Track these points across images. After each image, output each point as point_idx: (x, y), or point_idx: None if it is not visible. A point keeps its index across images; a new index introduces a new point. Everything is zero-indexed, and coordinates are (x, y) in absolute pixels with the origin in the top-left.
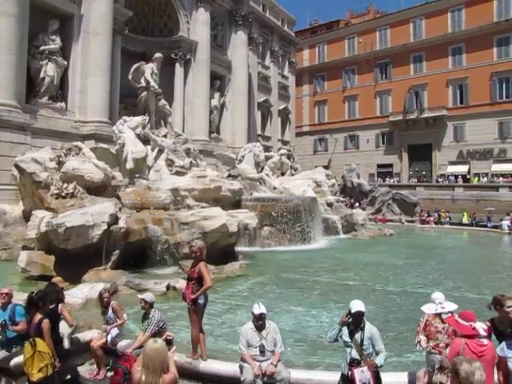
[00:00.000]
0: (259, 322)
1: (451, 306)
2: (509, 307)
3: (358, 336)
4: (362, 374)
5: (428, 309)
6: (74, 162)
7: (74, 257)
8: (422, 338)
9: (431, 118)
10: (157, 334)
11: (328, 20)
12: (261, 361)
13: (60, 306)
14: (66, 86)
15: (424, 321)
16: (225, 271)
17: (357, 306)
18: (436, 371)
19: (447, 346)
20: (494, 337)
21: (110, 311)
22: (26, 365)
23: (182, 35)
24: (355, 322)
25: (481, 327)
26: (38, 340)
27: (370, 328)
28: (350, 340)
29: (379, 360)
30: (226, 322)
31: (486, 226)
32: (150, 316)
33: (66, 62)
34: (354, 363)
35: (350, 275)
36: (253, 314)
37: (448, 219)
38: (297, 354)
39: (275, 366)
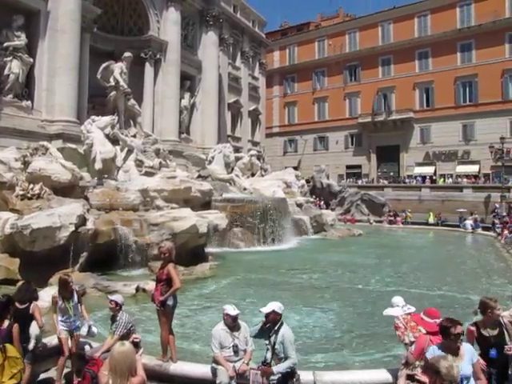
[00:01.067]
0: (234, 323)
1: (412, 308)
2: (499, 309)
3: (272, 338)
4: (255, 375)
5: (396, 312)
6: (40, 162)
7: (40, 259)
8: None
9: (399, 120)
10: (125, 336)
11: (298, 22)
12: (234, 361)
13: (32, 305)
14: (32, 84)
15: (402, 320)
16: (195, 272)
17: (269, 306)
18: (401, 366)
19: (412, 343)
20: None
21: (76, 298)
22: None
23: (152, 34)
24: (267, 322)
25: None
26: (8, 346)
27: (283, 332)
28: (267, 341)
29: (279, 367)
30: (197, 324)
31: (458, 226)
32: (118, 318)
33: (32, 60)
34: (264, 364)
35: (320, 275)
36: (228, 315)
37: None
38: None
39: (247, 364)
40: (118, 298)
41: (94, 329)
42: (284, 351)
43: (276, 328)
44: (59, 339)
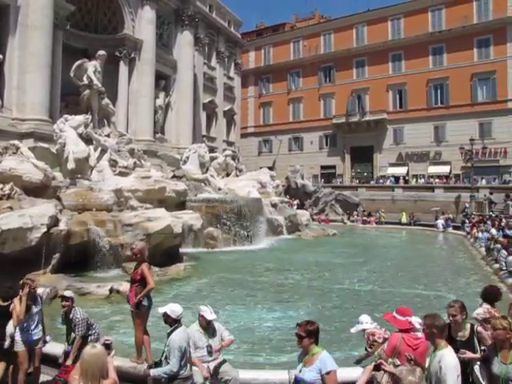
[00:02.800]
0: (208, 325)
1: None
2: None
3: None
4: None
5: (366, 326)
6: (10, 161)
7: (10, 261)
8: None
9: (372, 121)
10: (86, 332)
11: (274, 23)
12: (208, 361)
13: (12, 304)
14: (2, 81)
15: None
16: (169, 273)
17: (165, 307)
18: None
19: (385, 340)
20: None
21: (40, 304)
22: None
23: (127, 33)
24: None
25: (416, 321)
26: None
27: (172, 337)
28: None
29: (157, 371)
30: None
31: (433, 226)
32: (71, 316)
33: (1, 56)
34: (156, 363)
35: (294, 275)
36: (203, 317)
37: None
38: (243, 353)
39: (222, 347)
40: (68, 293)
41: (48, 339)
42: (168, 355)
43: (169, 331)
44: (16, 353)
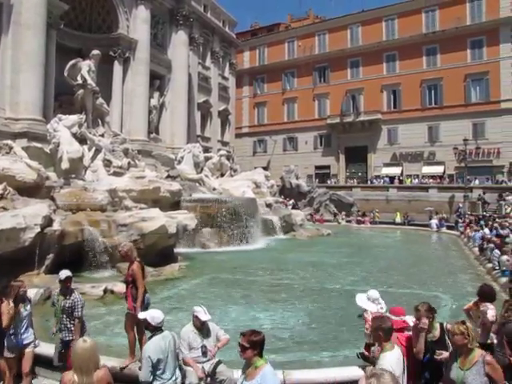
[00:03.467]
0: (203, 325)
1: (384, 305)
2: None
3: None
4: None
5: (370, 307)
6: (4, 161)
7: (3, 261)
8: None
9: (367, 121)
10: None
11: (269, 23)
12: (203, 362)
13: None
14: None
15: (372, 316)
16: (164, 273)
17: (145, 313)
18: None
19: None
20: None
21: (29, 307)
22: None
23: (121, 32)
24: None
25: (410, 320)
26: None
27: (145, 345)
28: None
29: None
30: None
31: (427, 226)
32: (72, 298)
33: None
34: None
35: (289, 275)
36: (198, 318)
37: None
38: (237, 354)
39: (218, 348)
40: (66, 272)
41: (38, 343)
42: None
43: (148, 338)
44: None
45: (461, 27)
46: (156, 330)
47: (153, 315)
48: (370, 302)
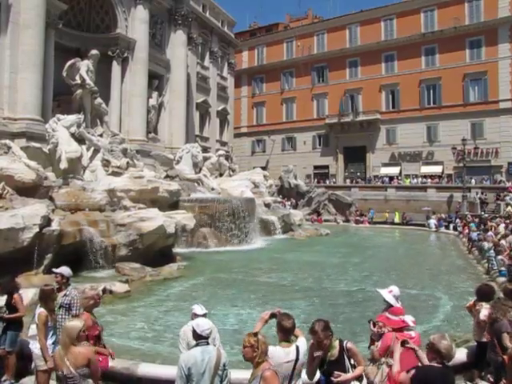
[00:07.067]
0: None
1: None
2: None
3: None
4: None
5: (392, 301)
6: (2, 161)
7: (2, 262)
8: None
9: (365, 121)
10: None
11: (267, 23)
12: None
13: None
14: None
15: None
16: (162, 273)
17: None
18: (368, 362)
19: (380, 336)
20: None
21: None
22: None
23: (120, 32)
24: None
25: (409, 320)
26: None
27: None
28: None
29: None
30: (165, 325)
31: (424, 225)
32: (68, 293)
33: None
34: None
35: (288, 275)
36: (195, 314)
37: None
38: (235, 354)
39: None
40: (64, 270)
41: None
42: None
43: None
44: (47, 371)
45: (459, 27)
46: (200, 339)
47: (198, 322)
48: (392, 298)
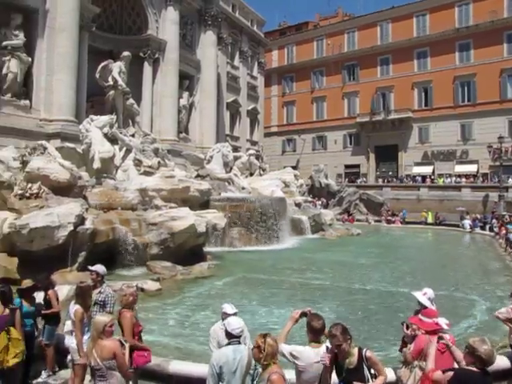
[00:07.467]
0: None
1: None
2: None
3: None
4: None
5: (427, 304)
6: (38, 161)
7: (38, 259)
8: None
9: (397, 119)
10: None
11: (297, 22)
12: None
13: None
14: (31, 83)
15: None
16: (193, 272)
17: None
18: (401, 365)
19: (413, 338)
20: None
21: None
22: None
23: (151, 34)
24: None
25: (443, 322)
26: (11, 329)
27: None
28: None
29: None
30: (195, 323)
31: (457, 226)
32: (102, 291)
33: (30, 59)
34: None
35: (318, 275)
36: (226, 313)
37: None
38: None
39: None
40: (98, 267)
41: None
42: None
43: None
44: (83, 365)
45: (497, 20)
46: (231, 338)
47: (230, 321)
48: (429, 301)
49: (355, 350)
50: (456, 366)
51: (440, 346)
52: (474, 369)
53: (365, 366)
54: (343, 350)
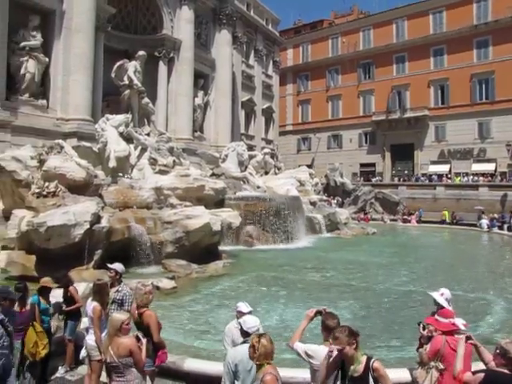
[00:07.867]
0: None
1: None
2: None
3: None
4: None
5: (444, 304)
6: (55, 160)
7: (55, 256)
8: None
9: (413, 118)
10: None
11: (312, 20)
12: None
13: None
14: (48, 83)
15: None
16: (208, 270)
17: None
18: (417, 365)
19: (429, 338)
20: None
21: None
22: (32, 347)
23: (166, 33)
24: None
25: (460, 323)
26: (36, 323)
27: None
28: None
29: None
30: (210, 321)
31: (475, 225)
32: (120, 289)
33: (47, 59)
34: None
35: (333, 274)
36: (241, 312)
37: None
38: (279, 352)
39: None
40: (117, 266)
41: None
42: None
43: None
44: (101, 361)
45: None
46: (247, 336)
47: (245, 319)
48: (446, 302)
49: (363, 358)
50: (483, 367)
51: (455, 345)
52: (506, 371)
53: (371, 377)
54: (345, 354)
